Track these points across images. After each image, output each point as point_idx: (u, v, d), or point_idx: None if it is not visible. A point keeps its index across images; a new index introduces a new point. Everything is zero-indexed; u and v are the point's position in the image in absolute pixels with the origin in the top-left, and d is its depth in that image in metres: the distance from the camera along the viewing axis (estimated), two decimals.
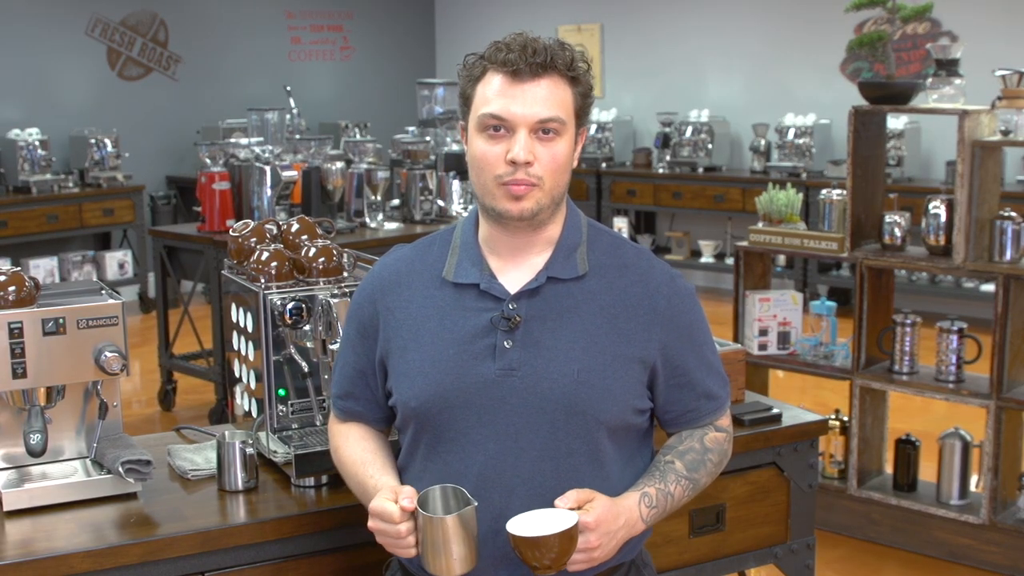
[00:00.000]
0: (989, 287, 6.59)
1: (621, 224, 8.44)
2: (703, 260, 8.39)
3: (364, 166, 5.81)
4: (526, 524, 1.70)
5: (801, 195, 4.38)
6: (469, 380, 1.80)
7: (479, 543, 1.74)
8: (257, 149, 5.51)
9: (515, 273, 1.85)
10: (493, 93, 1.77)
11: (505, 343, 1.80)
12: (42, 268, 7.63)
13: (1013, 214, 3.76)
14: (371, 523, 1.76)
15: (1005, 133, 3.76)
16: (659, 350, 1.84)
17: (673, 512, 1.87)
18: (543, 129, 1.77)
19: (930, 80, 3.93)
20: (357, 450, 1.91)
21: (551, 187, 1.79)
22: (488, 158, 1.78)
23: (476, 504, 1.71)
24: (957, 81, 3.88)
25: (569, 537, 1.68)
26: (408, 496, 1.72)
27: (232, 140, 5.98)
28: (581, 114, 1.83)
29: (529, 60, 1.75)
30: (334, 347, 2.14)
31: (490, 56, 1.79)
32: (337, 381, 1.97)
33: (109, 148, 7.78)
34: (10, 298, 2.09)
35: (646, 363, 1.84)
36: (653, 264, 1.90)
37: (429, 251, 1.92)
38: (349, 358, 1.94)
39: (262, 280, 2.26)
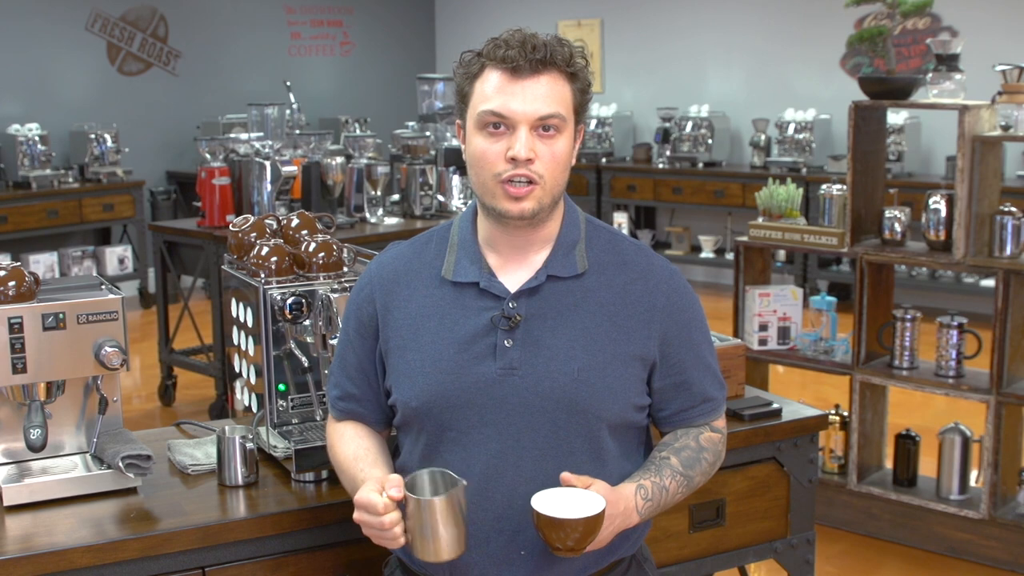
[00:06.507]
0: (989, 282, 6.59)
1: (621, 219, 8.44)
2: (703, 255, 8.39)
3: (364, 161, 5.80)
4: (550, 503, 1.68)
5: (801, 190, 4.37)
6: (470, 380, 1.79)
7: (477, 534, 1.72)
8: (257, 144, 5.50)
9: (514, 271, 1.84)
10: (492, 90, 1.75)
11: (505, 342, 1.79)
12: (42, 263, 7.63)
13: (1013, 209, 3.76)
14: (356, 515, 1.74)
15: (1005, 128, 3.77)
16: (658, 347, 1.84)
17: (667, 508, 1.86)
18: (543, 126, 1.75)
19: (930, 75, 3.92)
20: (351, 447, 1.90)
21: (552, 185, 1.78)
22: (488, 156, 1.76)
23: (465, 483, 1.68)
24: (957, 76, 3.88)
25: (596, 522, 1.66)
26: (395, 485, 1.69)
27: (232, 135, 5.97)
28: (580, 110, 1.82)
29: (529, 56, 1.74)
30: (334, 342, 2.13)
31: (488, 53, 1.77)
32: (335, 382, 1.95)
33: (109, 143, 7.77)
34: (10, 293, 2.09)
35: (646, 360, 1.84)
36: (652, 261, 1.89)
37: (427, 248, 1.90)
38: (349, 359, 1.93)
39: (262, 275, 2.25)
